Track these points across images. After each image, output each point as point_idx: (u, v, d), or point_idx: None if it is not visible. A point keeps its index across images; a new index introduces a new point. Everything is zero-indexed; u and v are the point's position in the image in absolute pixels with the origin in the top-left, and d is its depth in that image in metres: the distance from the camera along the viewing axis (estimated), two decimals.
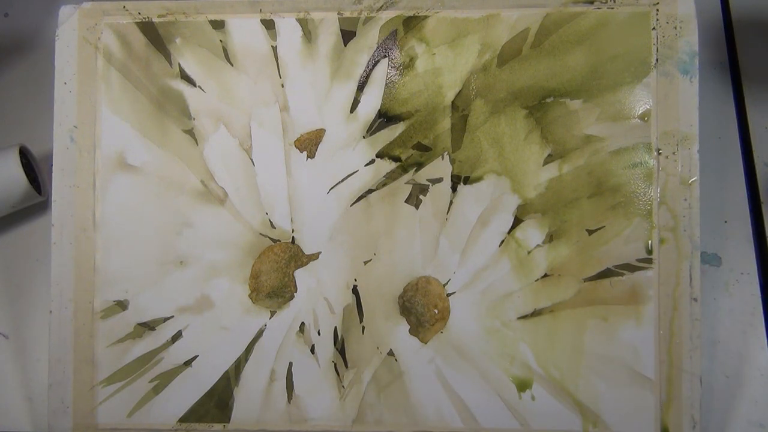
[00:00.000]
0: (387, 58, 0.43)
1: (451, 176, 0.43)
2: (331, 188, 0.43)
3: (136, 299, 0.43)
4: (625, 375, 0.41)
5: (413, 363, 0.42)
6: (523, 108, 0.42)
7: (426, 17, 0.43)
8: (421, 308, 0.42)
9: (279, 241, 0.43)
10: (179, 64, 0.44)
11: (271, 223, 0.43)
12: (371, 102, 0.43)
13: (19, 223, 0.49)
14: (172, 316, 0.43)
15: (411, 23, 0.43)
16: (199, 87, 0.44)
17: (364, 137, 0.43)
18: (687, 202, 0.41)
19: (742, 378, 0.44)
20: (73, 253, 0.43)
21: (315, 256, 0.43)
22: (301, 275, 0.43)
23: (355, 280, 0.43)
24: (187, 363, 0.43)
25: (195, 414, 0.43)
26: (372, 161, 0.43)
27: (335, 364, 0.43)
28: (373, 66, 0.43)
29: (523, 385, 0.42)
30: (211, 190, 0.44)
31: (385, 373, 0.42)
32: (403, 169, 0.43)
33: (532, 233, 0.42)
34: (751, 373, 0.44)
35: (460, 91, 0.43)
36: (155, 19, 0.44)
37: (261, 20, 0.44)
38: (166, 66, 0.44)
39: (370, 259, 0.43)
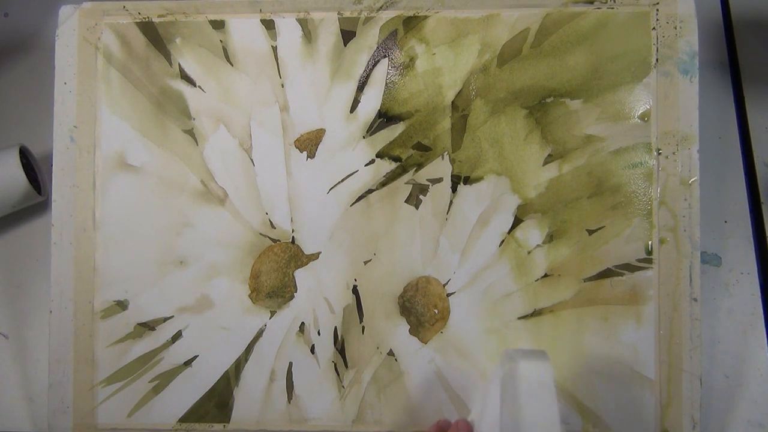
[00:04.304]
0: (387, 58, 0.43)
1: (451, 176, 0.43)
2: (331, 188, 0.43)
3: (136, 299, 0.43)
4: (625, 375, 0.41)
5: (413, 363, 0.42)
6: (523, 108, 0.42)
7: (426, 17, 0.43)
8: (421, 308, 0.42)
9: (279, 241, 0.43)
10: (179, 64, 0.44)
11: (271, 223, 0.43)
12: (371, 102, 0.43)
13: (19, 223, 0.49)
14: (172, 316, 0.43)
15: (411, 23, 0.43)
16: (199, 87, 0.44)
17: (364, 137, 0.43)
18: (687, 202, 0.41)
19: (742, 378, 0.44)
20: (73, 253, 0.43)
21: (315, 256, 0.43)
22: (301, 275, 0.43)
23: (355, 280, 0.43)
24: (187, 363, 0.43)
25: (195, 414, 0.43)
26: (372, 161, 0.43)
27: (335, 364, 0.43)
28: (373, 66, 0.43)
29: None
30: (211, 190, 0.44)
31: (385, 373, 0.42)
32: (403, 169, 0.43)
33: (532, 233, 0.42)
34: (751, 373, 0.44)
35: (460, 91, 0.43)
36: (155, 19, 0.44)
37: (261, 20, 0.44)
38: (166, 66, 0.44)
39: (370, 259, 0.43)
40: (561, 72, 0.42)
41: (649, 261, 0.41)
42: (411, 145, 0.43)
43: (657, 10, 0.42)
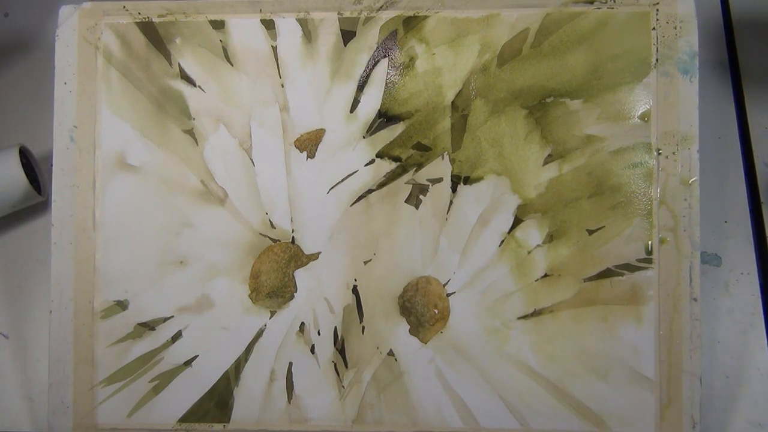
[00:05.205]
0: (387, 58, 0.43)
1: (451, 176, 0.43)
2: (331, 188, 0.43)
3: (136, 299, 0.43)
4: (625, 375, 0.41)
5: (413, 363, 0.42)
6: (523, 108, 0.42)
7: (426, 17, 0.43)
8: (421, 308, 0.42)
9: (279, 241, 0.43)
10: (179, 64, 0.44)
11: (271, 223, 0.43)
12: (371, 102, 0.43)
13: (19, 223, 0.49)
14: (172, 316, 0.43)
15: (411, 23, 0.43)
16: (199, 87, 0.44)
17: (364, 137, 0.43)
18: (687, 202, 0.41)
19: (742, 378, 0.44)
20: (73, 253, 0.43)
21: (315, 256, 0.43)
22: (301, 275, 0.43)
23: (355, 280, 0.43)
24: (187, 363, 0.43)
25: (195, 414, 0.43)
26: (372, 161, 0.43)
27: (335, 364, 0.43)
28: (373, 66, 0.43)
29: (522, 385, 0.42)
30: (211, 190, 0.44)
31: (385, 373, 0.42)
32: (403, 169, 0.43)
33: (532, 233, 0.42)
34: (751, 373, 0.44)
35: (460, 91, 0.43)
36: (155, 19, 0.44)
37: (261, 20, 0.44)
38: (166, 66, 0.44)
39: (370, 259, 0.43)
40: (561, 72, 0.42)
41: (649, 261, 0.41)
42: (411, 145, 0.43)
43: (657, 10, 0.42)
